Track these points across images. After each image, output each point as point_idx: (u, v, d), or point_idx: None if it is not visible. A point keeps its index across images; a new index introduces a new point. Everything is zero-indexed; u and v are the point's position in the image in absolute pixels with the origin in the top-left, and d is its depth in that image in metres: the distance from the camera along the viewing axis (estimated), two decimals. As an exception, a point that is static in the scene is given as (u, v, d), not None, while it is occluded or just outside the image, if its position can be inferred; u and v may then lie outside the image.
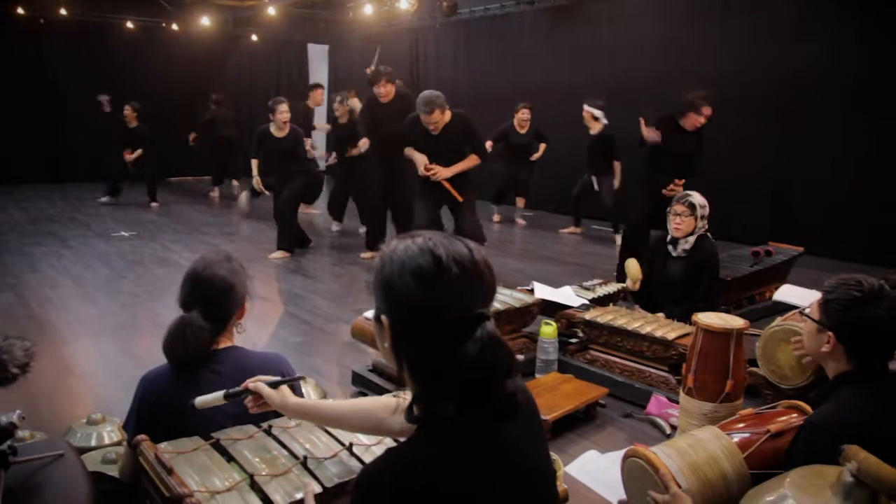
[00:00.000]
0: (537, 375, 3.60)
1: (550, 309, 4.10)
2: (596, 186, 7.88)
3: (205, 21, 12.43)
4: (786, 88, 7.23)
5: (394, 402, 1.62)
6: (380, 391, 3.26)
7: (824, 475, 1.50)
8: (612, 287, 4.66)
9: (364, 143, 6.97)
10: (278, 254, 6.84)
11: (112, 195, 9.82)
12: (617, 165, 7.74)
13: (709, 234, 4.17)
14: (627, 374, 3.58)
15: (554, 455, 2.33)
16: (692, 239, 4.09)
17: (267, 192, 7.27)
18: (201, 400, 1.75)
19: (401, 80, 6.58)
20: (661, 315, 3.85)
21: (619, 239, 7.69)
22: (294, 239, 7.06)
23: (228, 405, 1.80)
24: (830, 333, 1.90)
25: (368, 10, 11.73)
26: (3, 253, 6.63)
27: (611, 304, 4.30)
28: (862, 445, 1.43)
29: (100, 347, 4.25)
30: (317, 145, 9.60)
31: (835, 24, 6.88)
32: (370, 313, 1.25)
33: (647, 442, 2.37)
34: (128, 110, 9.50)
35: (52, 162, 11.73)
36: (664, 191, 5.04)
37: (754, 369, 3.21)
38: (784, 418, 2.18)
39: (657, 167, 5.35)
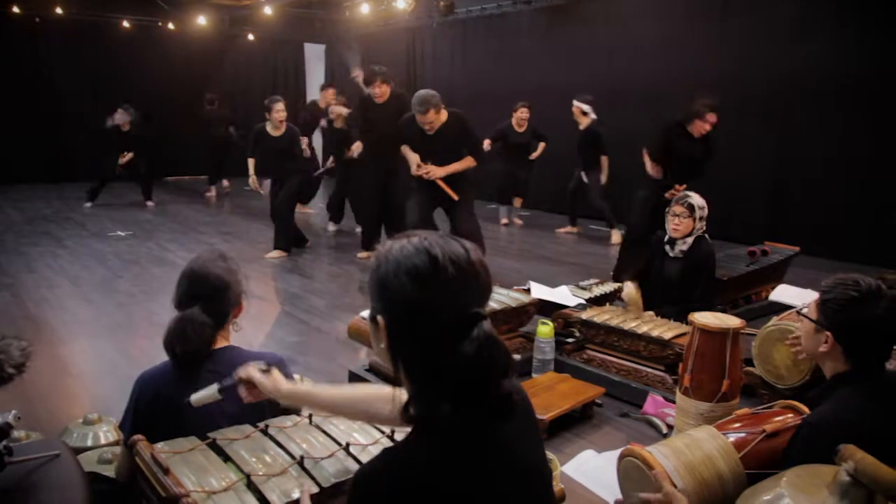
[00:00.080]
0: (534, 375, 3.61)
1: (547, 308, 4.10)
2: (585, 179, 7.93)
3: (201, 20, 12.41)
4: (785, 88, 7.23)
5: (388, 392, 1.62)
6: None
7: (821, 475, 1.51)
8: (609, 287, 4.67)
9: (357, 147, 6.95)
10: (275, 253, 6.83)
11: (92, 199, 9.68)
12: (604, 160, 7.78)
13: (706, 236, 4.18)
14: (624, 373, 3.59)
15: (550, 455, 2.34)
16: (690, 240, 4.10)
17: (262, 192, 7.26)
18: (196, 397, 1.75)
19: (393, 81, 6.56)
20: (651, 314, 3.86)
21: (613, 235, 7.75)
22: (291, 238, 7.05)
23: (226, 405, 1.80)
24: (828, 333, 1.90)
25: (365, 9, 11.72)
26: (-1, 253, 6.63)
27: (607, 304, 4.31)
28: (859, 445, 1.43)
29: (96, 347, 4.25)
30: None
31: (834, 24, 6.88)
32: (367, 313, 1.24)
33: (643, 441, 2.36)
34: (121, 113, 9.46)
35: (48, 162, 11.71)
36: (666, 194, 5.10)
37: (750, 369, 3.22)
38: (780, 418, 2.18)
39: (665, 169, 5.47)
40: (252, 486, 1.59)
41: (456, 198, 5.46)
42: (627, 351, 3.60)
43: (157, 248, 7.15)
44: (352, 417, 1.75)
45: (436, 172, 5.40)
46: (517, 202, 9.08)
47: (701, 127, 5.28)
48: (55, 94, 11.62)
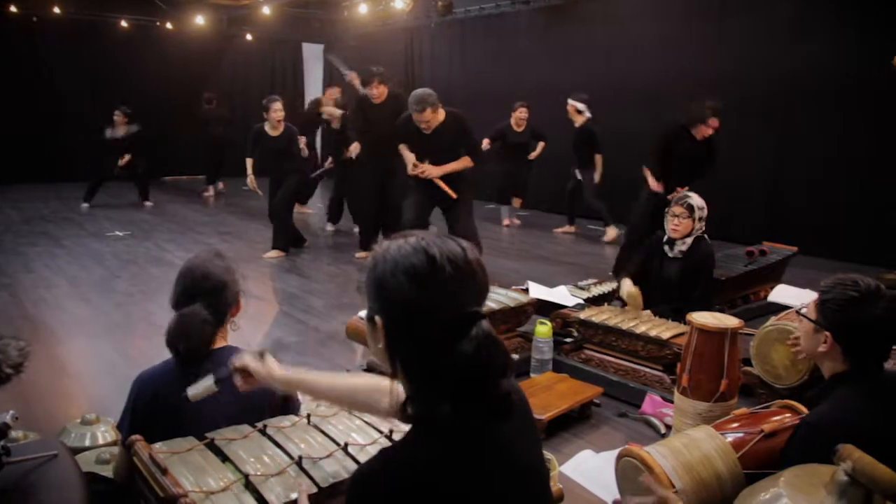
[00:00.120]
0: (532, 375, 3.61)
1: (545, 308, 4.10)
2: (579, 177, 7.96)
3: (199, 20, 12.39)
4: (785, 88, 7.24)
5: (387, 384, 1.61)
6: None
7: (819, 474, 1.51)
8: (607, 286, 4.67)
9: (356, 148, 6.95)
10: (273, 253, 6.83)
11: (89, 199, 9.64)
12: (598, 158, 7.80)
13: (706, 236, 4.18)
14: (622, 373, 3.59)
15: (549, 455, 2.34)
16: (689, 240, 4.10)
17: (259, 192, 7.26)
18: (193, 391, 1.73)
19: (391, 82, 6.56)
20: (648, 313, 3.86)
21: (609, 232, 7.76)
22: (289, 238, 7.05)
23: (223, 405, 1.80)
24: (827, 333, 1.90)
25: (363, 9, 11.71)
26: (-4, 252, 6.62)
27: (605, 304, 4.31)
28: (858, 445, 1.43)
29: (94, 347, 4.24)
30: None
31: (834, 24, 6.89)
32: (365, 313, 1.24)
33: (641, 441, 2.36)
34: (118, 116, 9.45)
35: (46, 162, 11.66)
36: (668, 197, 5.13)
37: (748, 369, 3.22)
38: (778, 418, 2.18)
39: (667, 171, 5.50)
40: (250, 487, 1.59)
41: (454, 196, 5.41)
42: (626, 351, 3.60)
43: (155, 248, 7.14)
44: (350, 407, 1.75)
45: (432, 172, 5.37)
46: (516, 202, 9.08)
47: (704, 131, 5.33)
48: (53, 93, 11.59)
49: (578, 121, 7.76)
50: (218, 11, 12.53)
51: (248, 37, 13.70)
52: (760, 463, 1.98)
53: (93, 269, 6.15)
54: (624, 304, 4.20)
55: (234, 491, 1.56)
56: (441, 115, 5.33)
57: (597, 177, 7.85)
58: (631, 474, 1.97)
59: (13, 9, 11.12)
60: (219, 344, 2.01)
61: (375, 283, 1.17)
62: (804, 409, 2.11)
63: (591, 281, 4.79)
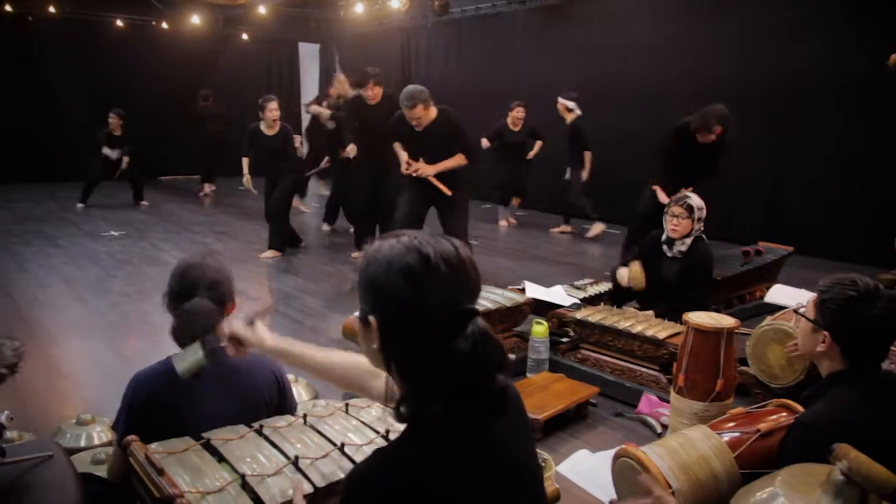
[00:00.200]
0: (528, 375, 3.61)
1: (542, 308, 4.10)
2: (567, 175, 7.98)
3: (195, 20, 12.38)
4: (784, 88, 7.23)
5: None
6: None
7: (815, 474, 1.51)
8: (604, 286, 4.67)
9: (352, 150, 6.94)
10: (269, 253, 6.82)
11: (84, 199, 9.61)
12: (587, 156, 7.80)
13: (704, 237, 4.19)
14: (618, 373, 3.59)
15: (545, 454, 2.34)
16: (688, 241, 4.10)
17: (254, 192, 7.25)
18: (183, 365, 1.70)
19: (385, 82, 6.56)
20: (650, 313, 3.86)
21: (594, 228, 7.82)
22: (285, 238, 7.04)
23: (220, 406, 1.79)
24: (826, 333, 1.90)
25: (359, 8, 11.71)
26: (-9, 252, 6.60)
27: (602, 304, 4.31)
28: (854, 444, 1.43)
29: (89, 347, 4.22)
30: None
31: (834, 24, 6.88)
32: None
33: (638, 441, 2.37)
34: (113, 118, 9.43)
35: (40, 161, 11.58)
36: (670, 198, 5.13)
37: (745, 368, 3.22)
38: (774, 417, 2.19)
39: (669, 171, 5.50)
40: (247, 487, 1.58)
41: (449, 193, 5.34)
42: (622, 350, 3.61)
43: (151, 247, 7.12)
44: (341, 386, 1.74)
45: (425, 170, 5.32)
46: (515, 202, 9.08)
47: (707, 137, 5.32)
48: (48, 93, 11.52)
49: (569, 118, 7.79)
50: (214, 11, 12.51)
51: (244, 36, 13.68)
52: (757, 462, 1.98)
53: (88, 269, 6.14)
54: (613, 299, 4.23)
55: (231, 491, 1.56)
56: (433, 112, 5.28)
57: (584, 175, 7.85)
58: (627, 474, 1.98)
59: (8, 8, 11.09)
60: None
61: (369, 283, 1.16)
62: (800, 409, 2.11)
63: (587, 280, 4.79)
